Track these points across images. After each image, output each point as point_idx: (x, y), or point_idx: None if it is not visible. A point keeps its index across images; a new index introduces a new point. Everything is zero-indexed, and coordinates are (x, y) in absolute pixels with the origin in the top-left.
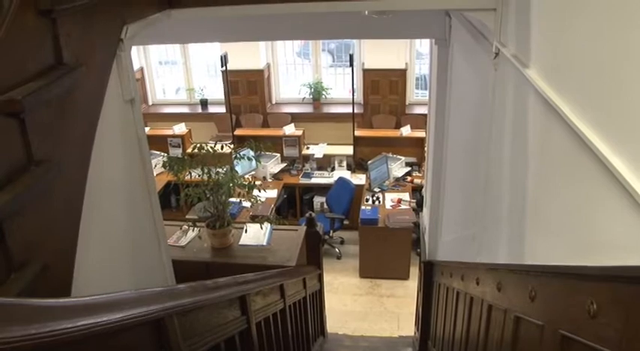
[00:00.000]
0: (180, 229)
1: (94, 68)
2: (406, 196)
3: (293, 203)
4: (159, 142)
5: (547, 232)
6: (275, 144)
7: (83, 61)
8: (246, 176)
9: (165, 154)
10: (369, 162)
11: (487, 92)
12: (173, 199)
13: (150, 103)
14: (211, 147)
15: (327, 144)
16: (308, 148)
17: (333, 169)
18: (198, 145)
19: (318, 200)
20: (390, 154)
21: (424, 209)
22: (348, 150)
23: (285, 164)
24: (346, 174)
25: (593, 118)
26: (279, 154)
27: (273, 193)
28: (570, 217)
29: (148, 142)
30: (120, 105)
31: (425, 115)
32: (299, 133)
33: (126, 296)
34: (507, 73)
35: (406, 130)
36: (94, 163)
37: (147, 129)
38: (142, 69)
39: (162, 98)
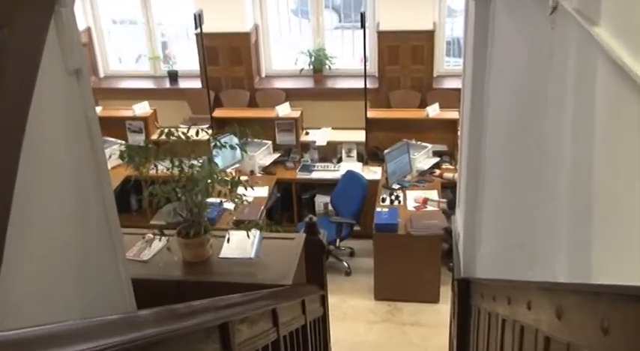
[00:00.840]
0: (143, 238)
1: (22, 29)
2: (434, 194)
3: (289, 204)
4: (114, 126)
5: (624, 239)
6: (265, 128)
7: (6, 21)
8: (229, 170)
9: (124, 142)
10: (386, 151)
11: (541, 58)
12: (133, 200)
13: (102, 75)
14: (183, 132)
15: (332, 128)
16: (307, 133)
17: (339, 161)
18: (167, 131)
19: (321, 200)
20: (413, 141)
21: (457, 211)
22: (359, 136)
23: (279, 154)
24: (356, 166)
25: None
26: (270, 142)
27: (263, 192)
28: None
29: (100, 126)
30: (62, 78)
31: (458, 90)
32: (296, 114)
33: (70, 327)
34: (568, 31)
35: (433, 110)
36: (26, 154)
37: (98, 109)
38: (89, 30)
39: (117, 69)
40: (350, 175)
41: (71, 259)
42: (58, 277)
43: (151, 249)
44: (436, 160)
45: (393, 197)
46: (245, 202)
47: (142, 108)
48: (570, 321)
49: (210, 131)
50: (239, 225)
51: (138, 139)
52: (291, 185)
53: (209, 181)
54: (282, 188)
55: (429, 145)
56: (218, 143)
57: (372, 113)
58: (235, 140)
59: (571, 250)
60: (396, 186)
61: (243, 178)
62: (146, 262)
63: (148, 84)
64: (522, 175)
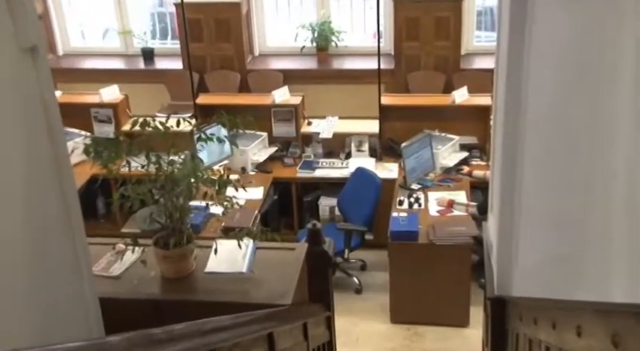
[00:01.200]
0: (113, 249)
1: None
2: (462, 195)
3: (288, 208)
4: (77, 115)
5: None
6: (259, 118)
7: None
8: (216, 167)
9: (89, 134)
10: (404, 144)
11: (593, 30)
12: (101, 204)
13: (60, 52)
14: (161, 122)
15: (340, 117)
16: (310, 123)
17: (348, 156)
18: (141, 120)
19: (326, 203)
20: (437, 132)
21: (490, 216)
22: (372, 126)
23: (276, 149)
24: (368, 163)
25: None
26: (265, 134)
27: (257, 193)
28: None
29: (61, 115)
30: (14, 56)
31: (491, 71)
32: (296, 100)
33: None
34: None
35: (461, 95)
36: None
37: (57, 94)
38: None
39: (79, 46)
40: (360, 173)
41: (26, 276)
42: (10, 298)
43: (123, 262)
44: (464, 154)
45: (412, 199)
46: (235, 206)
47: (111, 93)
48: (629, 350)
49: (193, 121)
50: (228, 233)
51: (106, 130)
52: (290, 185)
53: (192, 180)
54: (279, 189)
55: (456, 137)
56: (203, 135)
57: (387, 99)
58: (223, 132)
59: (629, 263)
60: (415, 186)
61: (234, 176)
62: (117, 278)
63: (117, 64)
64: (570, 172)
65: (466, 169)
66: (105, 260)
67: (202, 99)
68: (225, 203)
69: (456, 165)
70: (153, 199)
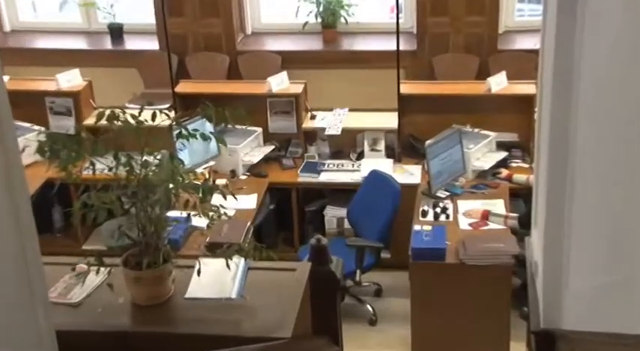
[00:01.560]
0: (73, 270)
1: None
2: (499, 205)
3: (287, 220)
4: (28, 105)
5: None
6: (253, 110)
7: None
8: (200, 170)
9: (43, 129)
10: (429, 143)
11: None
12: (58, 214)
13: (7, 28)
14: (133, 115)
15: (350, 110)
16: (314, 117)
17: (360, 157)
18: (108, 113)
19: (334, 214)
20: (468, 128)
21: (534, 231)
22: (389, 120)
23: (272, 148)
24: (385, 165)
25: None
26: (260, 129)
27: (249, 202)
28: None
29: (10, 106)
30: None
31: (535, 53)
32: (297, 89)
33: None
34: None
35: (498, 82)
36: None
37: (5, 78)
38: None
39: (31, 20)
40: (375, 177)
41: None
42: None
43: (85, 286)
44: (502, 155)
45: (438, 210)
46: (223, 217)
47: (71, 79)
48: None
49: (172, 114)
50: (214, 250)
51: (65, 124)
52: (289, 192)
53: (171, 186)
54: (276, 197)
55: (492, 134)
56: (184, 131)
57: (407, 87)
58: (209, 127)
59: None
60: (442, 193)
61: (221, 181)
62: (77, 306)
63: (78, 43)
64: (633, 176)
65: (504, 172)
66: (62, 284)
67: (183, 87)
68: (211, 214)
69: (492, 168)
70: (122, 208)
